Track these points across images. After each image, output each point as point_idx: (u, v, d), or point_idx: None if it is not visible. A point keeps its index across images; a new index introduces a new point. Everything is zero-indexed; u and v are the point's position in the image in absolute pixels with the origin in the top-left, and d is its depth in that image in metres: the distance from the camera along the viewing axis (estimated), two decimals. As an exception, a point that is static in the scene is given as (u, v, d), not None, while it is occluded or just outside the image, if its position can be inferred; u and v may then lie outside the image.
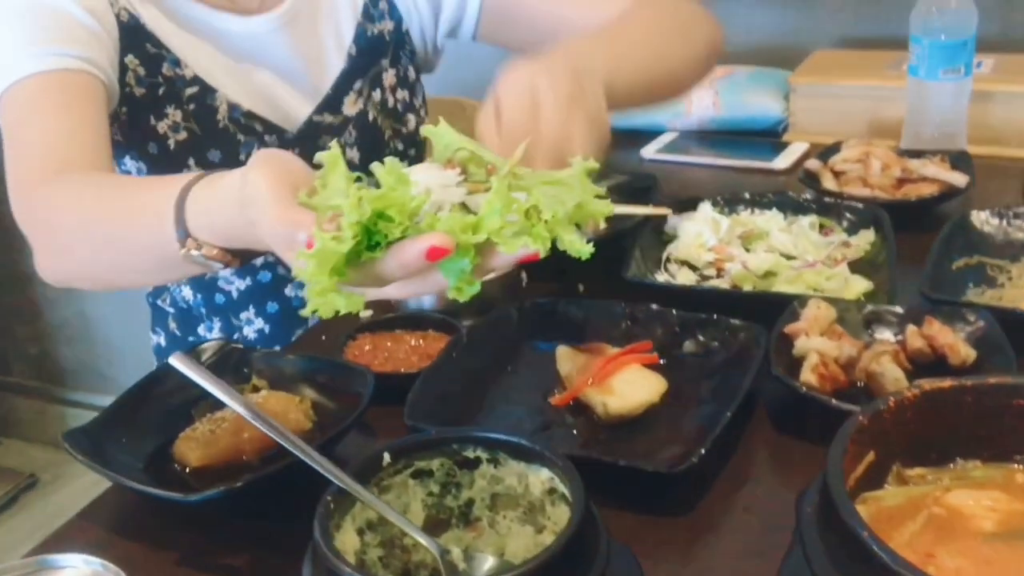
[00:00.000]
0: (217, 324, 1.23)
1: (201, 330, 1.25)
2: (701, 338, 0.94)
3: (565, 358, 0.91)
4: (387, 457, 0.68)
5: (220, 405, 0.84)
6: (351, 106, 1.17)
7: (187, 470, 0.83)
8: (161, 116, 1.08)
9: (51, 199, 0.88)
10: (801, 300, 0.94)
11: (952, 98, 1.30)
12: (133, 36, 1.05)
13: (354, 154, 1.17)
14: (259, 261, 1.18)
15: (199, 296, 1.23)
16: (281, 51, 1.13)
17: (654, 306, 0.97)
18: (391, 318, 1.02)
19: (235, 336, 1.22)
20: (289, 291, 1.21)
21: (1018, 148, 1.35)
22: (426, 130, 0.69)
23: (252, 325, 1.22)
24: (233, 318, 1.23)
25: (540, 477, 0.68)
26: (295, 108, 1.15)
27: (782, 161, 1.39)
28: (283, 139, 1.13)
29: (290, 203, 0.63)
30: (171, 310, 1.27)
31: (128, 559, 0.69)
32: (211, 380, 0.71)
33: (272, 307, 1.21)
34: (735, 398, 0.82)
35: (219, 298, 1.22)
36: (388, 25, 1.19)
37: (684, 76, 1.05)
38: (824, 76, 1.47)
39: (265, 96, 1.13)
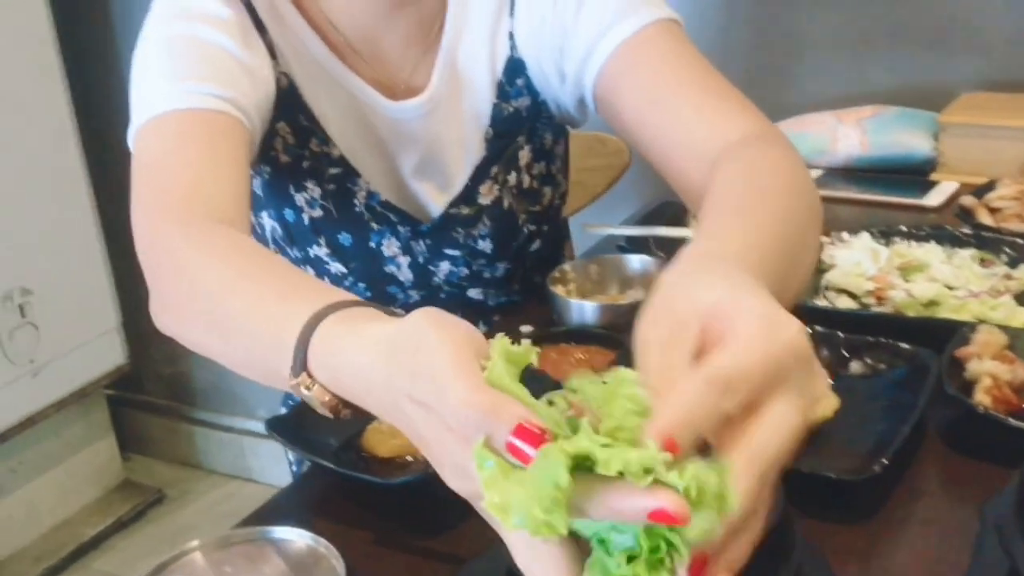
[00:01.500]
0: None
1: None
2: (868, 360, 0.95)
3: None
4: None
5: None
6: (486, 195, 1.13)
7: (373, 459, 0.87)
8: (301, 188, 1.09)
9: (181, 246, 0.80)
10: (970, 326, 0.94)
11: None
12: (289, 105, 1.05)
13: (486, 245, 1.14)
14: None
15: None
16: (423, 139, 1.10)
17: (819, 328, 0.98)
18: (555, 332, 1.05)
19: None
20: None
21: None
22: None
23: None
24: None
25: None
26: (431, 199, 1.13)
27: (934, 198, 1.39)
28: (417, 231, 1.12)
29: (481, 381, 0.50)
30: None
31: (328, 536, 0.74)
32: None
33: None
34: (910, 415, 0.83)
35: None
36: (525, 101, 1.12)
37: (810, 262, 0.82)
38: (975, 116, 1.47)
39: (403, 186, 1.12)
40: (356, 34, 1.08)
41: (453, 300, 1.17)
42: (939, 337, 0.94)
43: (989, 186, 1.31)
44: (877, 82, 1.68)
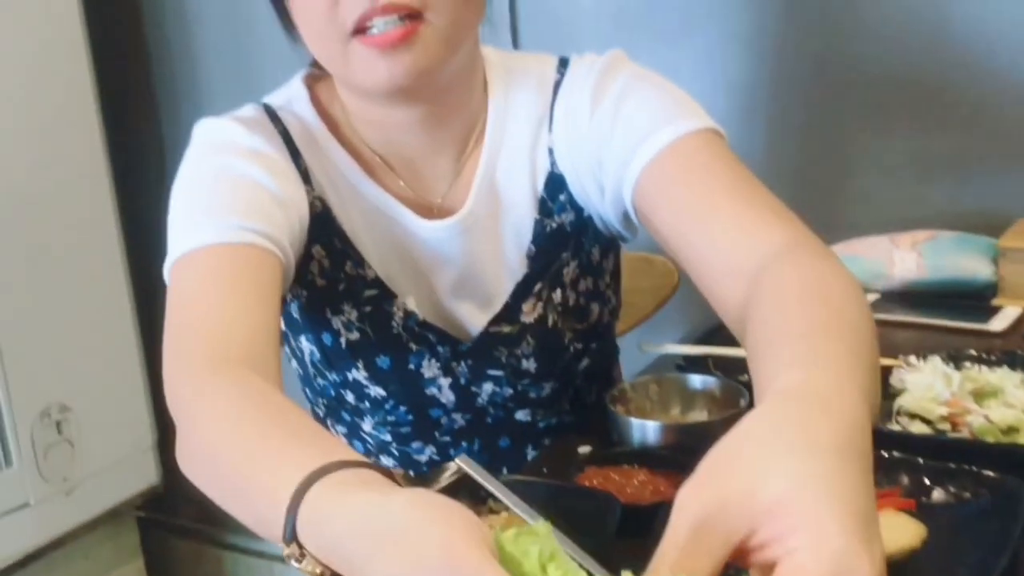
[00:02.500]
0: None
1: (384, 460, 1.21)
2: (951, 488, 0.91)
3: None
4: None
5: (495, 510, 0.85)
6: (529, 313, 1.09)
7: None
8: (338, 311, 1.07)
9: (192, 397, 0.80)
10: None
11: None
12: (323, 228, 1.04)
13: (531, 364, 1.11)
14: (419, 443, 1.15)
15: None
16: (460, 258, 1.08)
17: (896, 454, 0.94)
18: (616, 453, 1.02)
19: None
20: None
21: None
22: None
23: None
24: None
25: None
26: (470, 317, 1.10)
27: (997, 323, 1.36)
28: (456, 350, 1.09)
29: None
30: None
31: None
32: (493, 481, 0.71)
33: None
34: (1004, 546, 0.78)
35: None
36: (569, 216, 1.09)
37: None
38: (1036, 240, 1.45)
39: (441, 305, 1.09)
40: (391, 153, 1.07)
41: (500, 423, 1.14)
42: (1018, 466, 0.89)
43: (1058, 310, 1.28)
44: (930, 205, 1.66)
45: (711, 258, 0.90)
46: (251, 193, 0.96)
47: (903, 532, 0.82)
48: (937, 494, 0.91)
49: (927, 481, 0.92)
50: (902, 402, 1.09)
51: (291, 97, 1.08)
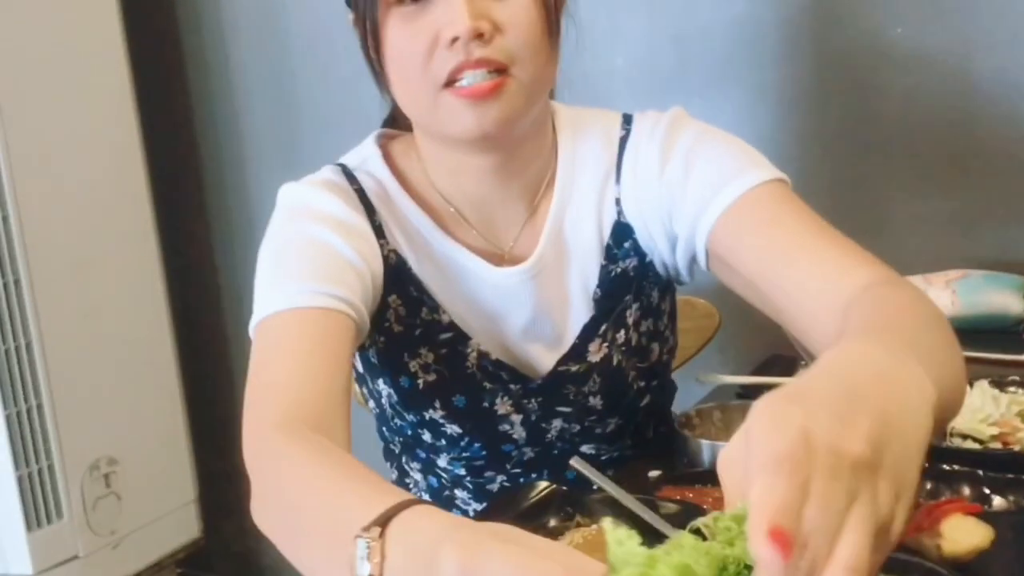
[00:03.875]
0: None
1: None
2: (1011, 497, 0.97)
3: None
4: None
5: (553, 537, 0.90)
6: (595, 353, 1.15)
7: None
8: (415, 355, 1.13)
9: (275, 458, 0.86)
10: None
11: None
12: (398, 277, 1.11)
13: (597, 401, 1.16)
14: (491, 473, 1.20)
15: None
16: (530, 301, 1.14)
17: (955, 467, 1.00)
18: (689, 473, 1.07)
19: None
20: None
21: None
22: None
23: None
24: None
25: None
26: (540, 357, 1.16)
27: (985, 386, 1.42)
28: (527, 388, 1.15)
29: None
30: (423, 494, 1.27)
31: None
32: (606, 480, 0.77)
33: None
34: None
35: (454, 513, 1.23)
36: (632, 262, 1.15)
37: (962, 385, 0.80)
38: (1065, 276, 1.52)
39: (512, 345, 1.15)
40: (465, 202, 1.13)
41: (565, 455, 1.17)
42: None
43: (1091, 339, 1.34)
44: (957, 253, 1.72)
45: (802, 300, 0.96)
46: (328, 259, 1.03)
47: (973, 533, 0.88)
48: (999, 502, 0.97)
49: (987, 491, 0.98)
50: (954, 423, 1.15)
51: (365, 157, 1.16)
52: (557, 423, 1.17)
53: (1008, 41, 1.67)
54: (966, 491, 0.98)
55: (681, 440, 1.12)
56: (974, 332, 1.54)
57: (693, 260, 1.12)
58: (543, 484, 1.00)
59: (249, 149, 2.46)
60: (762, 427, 0.56)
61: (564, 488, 1.01)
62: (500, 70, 1.00)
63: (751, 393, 1.26)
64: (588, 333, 1.15)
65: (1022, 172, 1.69)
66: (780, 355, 1.35)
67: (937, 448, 1.07)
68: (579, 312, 1.15)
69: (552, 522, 0.97)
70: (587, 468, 0.76)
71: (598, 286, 1.15)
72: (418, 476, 1.25)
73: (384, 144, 1.17)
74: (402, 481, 1.28)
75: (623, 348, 1.16)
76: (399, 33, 1.02)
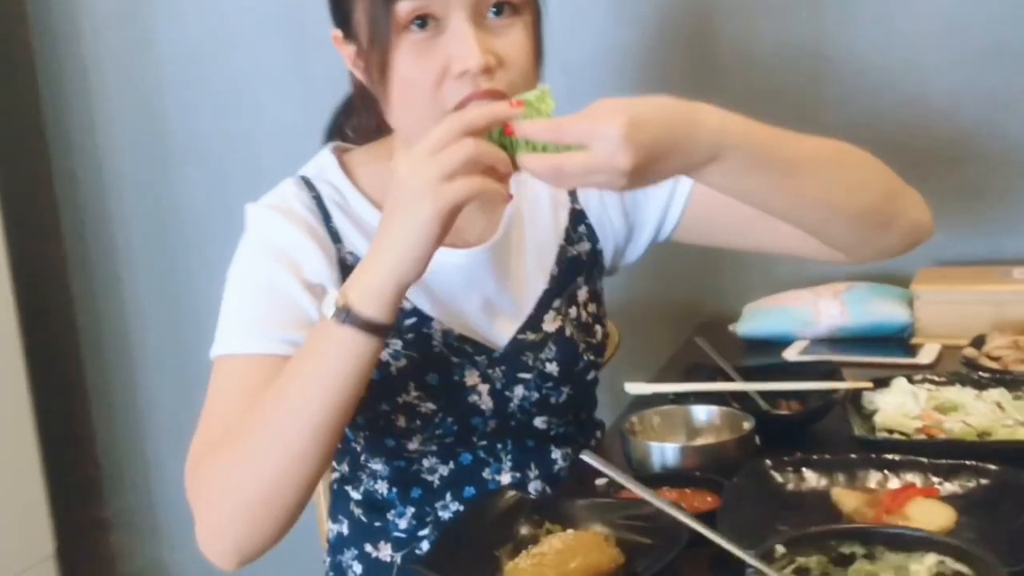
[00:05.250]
0: (410, 511, 1.25)
1: (391, 515, 1.26)
2: (957, 481, 1.01)
3: (845, 497, 0.97)
4: (779, 549, 0.73)
5: (525, 544, 0.89)
6: (551, 323, 1.23)
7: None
8: (383, 346, 1.13)
9: (219, 444, 1.01)
10: (1040, 444, 1.02)
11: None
12: None
13: (553, 368, 1.22)
14: (461, 448, 1.23)
15: (394, 490, 1.26)
16: (490, 278, 1.22)
17: (896, 457, 1.05)
18: (642, 477, 1.07)
19: (428, 519, 1.25)
20: (487, 474, 1.24)
21: None
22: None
23: (448, 509, 1.25)
24: (427, 507, 1.26)
25: (925, 564, 0.73)
26: (500, 328, 1.22)
27: (925, 357, 1.50)
28: (491, 358, 1.20)
29: None
30: (358, 496, 1.30)
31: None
32: (620, 473, 0.76)
33: (469, 491, 1.24)
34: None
35: (416, 492, 1.25)
36: (586, 247, 1.29)
37: (854, 218, 1.09)
38: (946, 284, 1.61)
39: (474, 320, 1.21)
40: None
41: (522, 427, 1.24)
42: (1007, 458, 1.01)
43: (980, 340, 1.43)
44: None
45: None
46: (286, 305, 1.12)
47: (938, 514, 0.91)
48: (947, 487, 1.01)
49: (934, 478, 1.02)
50: (878, 419, 1.20)
51: (323, 166, 1.23)
52: (519, 391, 1.21)
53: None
54: (915, 479, 1.02)
55: (630, 444, 1.12)
56: (865, 340, 1.62)
57: (650, 243, 1.31)
58: (510, 493, 0.99)
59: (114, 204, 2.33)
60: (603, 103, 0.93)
61: (530, 496, 0.99)
62: (500, 98, 1.05)
63: (682, 399, 1.27)
64: (544, 305, 1.24)
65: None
66: (699, 364, 1.37)
67: (879, 441, 1.12)
68: (536, 287, 1.25)
69: (524, 530, 0.95)
70: (597, 460, 0.75)
71: (556, 264, 1.26)
72: (378, 466, 1.26)
73: (339, 155, 1.24)
74: (355, 475, 1.30)
75: (574, 322, 1.25)
76: (409, 61, 1.07)
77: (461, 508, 1.24)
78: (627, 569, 0.88)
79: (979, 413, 1.18)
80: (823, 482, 1.03)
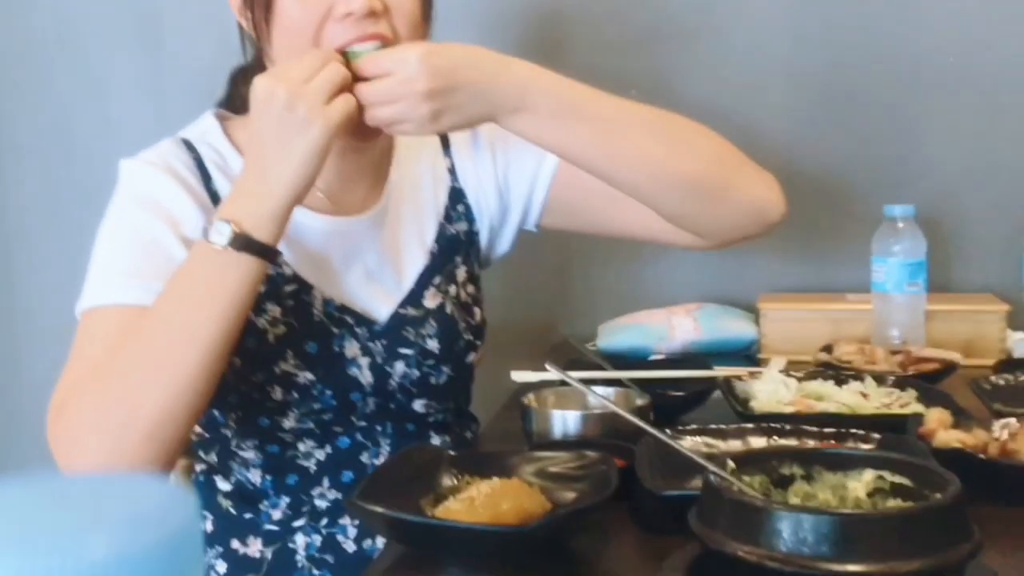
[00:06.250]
0: (285, 501, 1.21)
1: (263, 506, 1.21)
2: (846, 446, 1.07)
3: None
4: (730, 464, 0.76)
5: (447, 495, 0.88)
6: (431, 300, 1.24)
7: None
8: (260, 312, 1.15)
9: (79, 401, 0.99)
10: (915, 417, 1.10)
11: (912, 310, 1.57)
12: None
13: (434, 345, 1.23)
14: (340, 429, 1.21)
15: (268, 478, 1.21)
16: (371, 248, 1.23)
17: (786, 426, 1.10)
18: (553, 443, 1.09)
19: (304, 509, 1.21)
20: (365, 458, 1.22)
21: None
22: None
23: (325, 498, 1.22)
24: (303, 495, 1.22)
25: (863, 480, 0.77)
26: (382, 301, 1.22)
27: (775, 368, 1.59)
28: (372, 330, 1.20)
29: None
30: (228, 487, 1.24)
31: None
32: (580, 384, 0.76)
33: (347, 476, 1.22)
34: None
35: (291, 479, 1.21)
36: (463, 226, 1.31)
37: (670, 182, 1.15)
38: (790, 302, 1.72)
39: (355, 291, 1.21)
40: None
41: (401, 410, 1.22)
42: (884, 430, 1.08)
43: (827, 348, 1.53)
44: (694, 289, 1.88)
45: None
46: (158, 255, 1.09)
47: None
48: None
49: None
50: (754, 405, 1.26)
51: (204, 130, 1.22)
52: (400, 367, 1.20)
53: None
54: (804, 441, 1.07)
55: (531, 415, 1.13)
56: (716, 355, 1.70)
57: (519, 226, 1.33)
58: (430, 447, 0.97)
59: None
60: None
61: (450, 453, 0.98)
62: (385, 44, 1.09)
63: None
64: (424, 281, 1.25)
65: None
66: (577, 359, 1.41)
67: (766, 415, 1.17)
68: (417, 262, 1.25)
69: (446, 482, 0.94)
70: (558, 370, 0.76)
71: (435, 240, 1.27)
72: (250, 453, 1.21)
73: (222, 120, 1.24)
74: (224, 464, 1.23)
75: (454, 300, 1.27)
76: (292, 3, 1.09)
77: (339, 496, 1.21)
78: (555, 513, 0.88)
79: (847, 399, 1.26)
80: (721, 446, 1.06)
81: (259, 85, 1.02)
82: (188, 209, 1.14)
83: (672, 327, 1.72)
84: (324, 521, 1.20)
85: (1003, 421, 1.08)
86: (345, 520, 1.20)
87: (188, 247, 1.08)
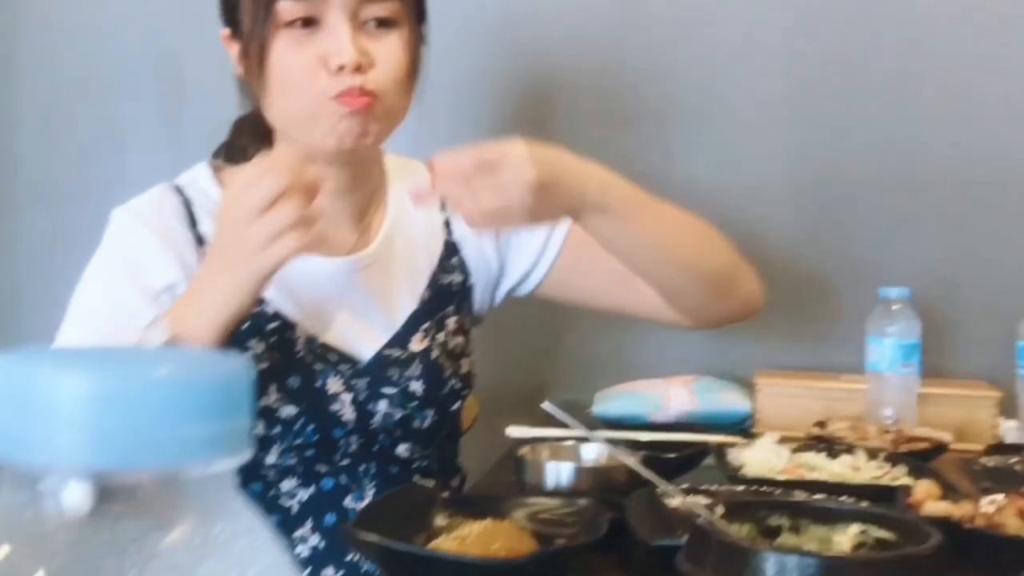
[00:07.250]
0: None
1: None
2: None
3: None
4: (719, 511, 0.77)
5: (440, 533, 0.89)
6: (418, 343, 1.27)
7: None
8: (244, 349, 1.18)
9: None
10: (903, 489, 1.12)
11: (906, 390, 1.59)
12: None
13: (418, 387, 1.25)
14: (324, 468, 1.22)
15: None
16: (359, 291, 1.26)
17: (776, 490, 1.12)
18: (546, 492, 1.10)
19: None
20: (349, 502, 1.23)
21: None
22: None
23: (306, 543, 1.22)
24: (284, 537, 1.22)
25: (848, 533, 0.79)
26: (367, 341, 1.25)
27: (768, 439, 1.60)
28: (355, 369, 1.23)
29: None
30: None
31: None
32: (580, 425, 0.78)
33: (330, 519, 1.23)
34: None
35: (274, 518, 1.22)
36: (457, 278, 1.34)
37: (697, 280, 1.23)
38: (786, 379, 1.74)
39: (341, 330, 1.24)
40: None
41: (384, 453, 1.24)
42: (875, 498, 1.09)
43: (821, 424, 1.54)
44: (686, 361, 1.90)
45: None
46: (127, 322, 1.11)
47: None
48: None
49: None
50: (745, 472, 1.27)
51: (195, 176, 1.27)
52: (382, 405, 1.22)
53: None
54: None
55: (525, 465, 1.15)
56: (710, 427, 1.71)
57: (515, 289, 1.37)
58: (424, 487, 0.98)
59: None
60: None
61: (444, 495, 1.00)
62: (370, 96, 1.14)
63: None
64: (412, 325, 1.28)
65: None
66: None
67: (758, 479, 1.18)
68: (407, 306, 1.29)
69: (439, 521, 0.95)
70: (558, 412, 0.77)
71: (427, 288, 1.30)
72: None
73: (215, 170, 1.29)
74: None
75: (442, 347, 1.29)
76: (287, 53, 1.15)
77: (321, 543, 1.21)
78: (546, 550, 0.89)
79: (838, 470, 1.27)
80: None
81: (225, 198, 1.09)
82: (159, 257, 1.18)
83: (668, 397, 1.73)
84: (307, 571, 1.20)
85: (991, 497, 1.09)
86: (329, 571, 1.21)
87: (156, 299, 1.14)
